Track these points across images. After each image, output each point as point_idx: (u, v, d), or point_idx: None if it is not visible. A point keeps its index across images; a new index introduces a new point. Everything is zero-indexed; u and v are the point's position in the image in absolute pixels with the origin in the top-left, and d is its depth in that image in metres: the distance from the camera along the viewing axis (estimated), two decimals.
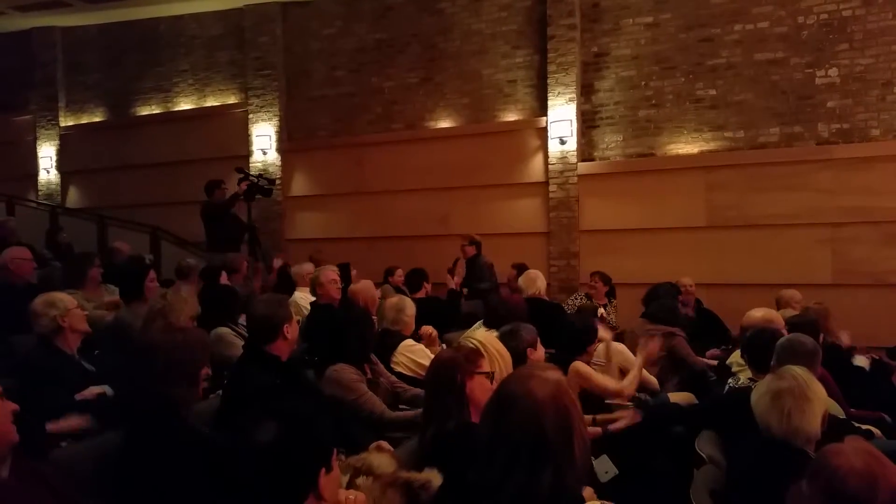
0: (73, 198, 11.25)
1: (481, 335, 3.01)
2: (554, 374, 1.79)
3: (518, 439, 1.57)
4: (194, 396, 2.21)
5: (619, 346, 4.32)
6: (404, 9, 9.22)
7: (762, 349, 3.34)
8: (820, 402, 2.46)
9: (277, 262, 7.45)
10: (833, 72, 7.40)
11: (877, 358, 5.15)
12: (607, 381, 3.83)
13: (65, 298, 3.37)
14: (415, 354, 4.02)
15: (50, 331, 3.29)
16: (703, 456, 3.00)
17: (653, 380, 4.35)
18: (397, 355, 4.02)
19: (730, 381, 3.90)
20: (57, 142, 11.22)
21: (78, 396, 3.09)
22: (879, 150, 7.19)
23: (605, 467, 3.19)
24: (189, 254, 8.08)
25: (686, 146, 8.00)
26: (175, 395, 2.08)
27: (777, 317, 4.04)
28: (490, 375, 2.51)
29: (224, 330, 4.11)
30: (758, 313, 4.08)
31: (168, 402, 2.06)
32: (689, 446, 3.18)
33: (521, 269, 6.99)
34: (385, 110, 9.36)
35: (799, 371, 2.57)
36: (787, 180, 7.44)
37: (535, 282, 5.76)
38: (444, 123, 9.07)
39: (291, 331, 3.05)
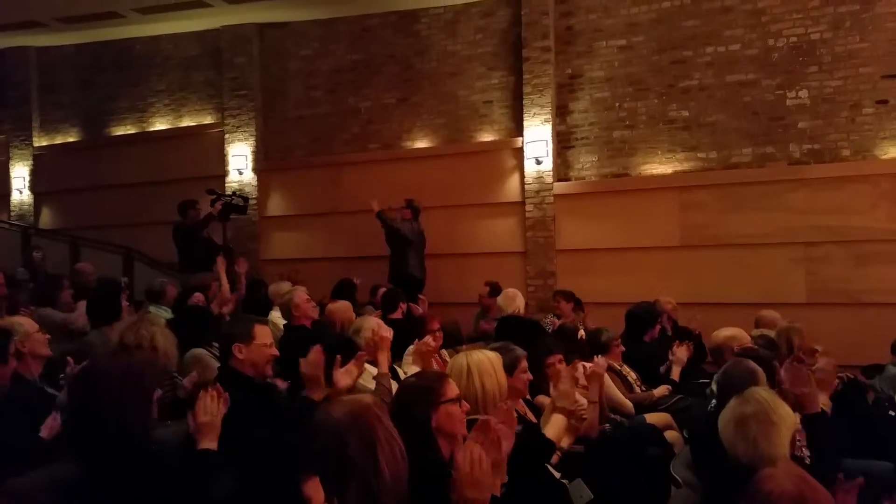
0: (46, 219, 11.06)
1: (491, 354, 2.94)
2: (362, 397, 2.04)
3: (323, 458, 1.75)
4: (149, 420, 2.15)
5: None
6: (381, 30, 9.26)
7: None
8: (786, 424, 2.42)
9: (244, 266, 6.81)
10: (803, 93, 7.52)
11: (852, 377, 5.17)
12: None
13: (24, 323, 3.29)
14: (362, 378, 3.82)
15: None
16: (678, 479, 2.97)
17: (627, 403, 4.34)
18: None
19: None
20: (30, 162, 11.05)
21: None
22: (850, 170, 7.30)
23: (579, 491, 3.14)
24: (162, 275, 7.95)
25: (660, 166, 8.07)
26: (129, 421, 2.02)
27: (744, 336, 4.04)
28: (459, 400, 2.36)
29: (200, 351, 4.02)
30: (724, 332, 4.09)
31: (123, 429, 2.00)
32: (665, 469, 3.15)
33: (493, 286, 6.94)
34: (362, 130, 9.35)
35: (763, 394, 2.53)
36: (760, 200, 7.52)
37: (514, 300, 5.75)
38: (421, 143, 9.09)
39: (247, 351, 2.93)
